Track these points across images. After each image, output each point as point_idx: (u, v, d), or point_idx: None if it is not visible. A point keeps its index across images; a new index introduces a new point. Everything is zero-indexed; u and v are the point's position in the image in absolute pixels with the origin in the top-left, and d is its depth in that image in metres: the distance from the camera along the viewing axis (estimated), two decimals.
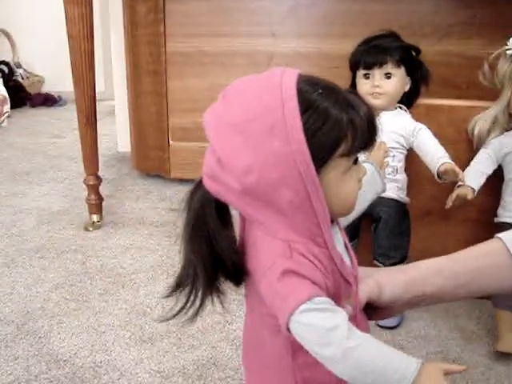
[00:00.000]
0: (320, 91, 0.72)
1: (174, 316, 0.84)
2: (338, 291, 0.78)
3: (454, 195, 1.56)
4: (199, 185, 0.78)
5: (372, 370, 0.70)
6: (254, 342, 0.89)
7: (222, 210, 0.78)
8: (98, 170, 2.24)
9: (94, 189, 2.24)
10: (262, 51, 2.43)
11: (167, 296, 0.83)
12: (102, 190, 2.34)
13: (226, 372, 1.47)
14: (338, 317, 0.72)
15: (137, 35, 2.53)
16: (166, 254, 2.08)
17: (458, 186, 1.57)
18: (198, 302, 0.83)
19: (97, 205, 2.26)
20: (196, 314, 0.84)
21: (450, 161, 1.50)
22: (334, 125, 0.71)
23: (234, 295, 1.78)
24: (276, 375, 0.84)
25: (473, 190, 1.56)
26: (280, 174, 0.71)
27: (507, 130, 1.59)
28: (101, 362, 1.50)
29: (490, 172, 1.59)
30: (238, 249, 0.80)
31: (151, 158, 2.71)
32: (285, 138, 0.70)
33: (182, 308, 0.83)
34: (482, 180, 1.58)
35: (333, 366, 0.71)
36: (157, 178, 2.76)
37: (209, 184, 0.76)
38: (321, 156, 0.72)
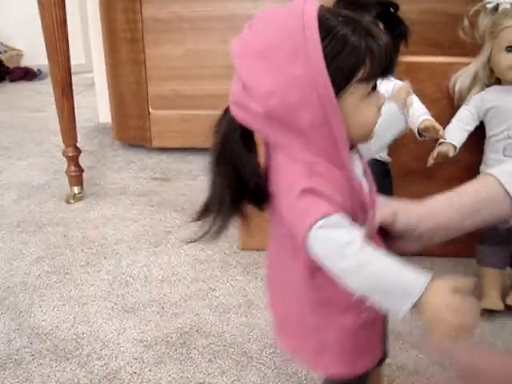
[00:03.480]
0: (340, 19, 0.75)
1: (200, 238, 0.90)
2: (355, 213, 0.81)
3: (435, 153, 1.54)
4: (226, 112, 0.81)
5: (383, 284, 0.74)
6: (276, 265, 0.94)
7: (246, 136, 0.81)
8: (76, 141, 2.20)
9: (74, 160, 2.20)
10: (241, 15, 2.38)
11: (195, 220, 0.89)
12: (84, 161, 2.31)
13: (209, 339, 1.46)
14: (354, 232, 0.76)
15: (112, 2, 2.47)
16: (148, 223, 2.06)
17: (439, 144, 1.54)
18: (222, 224, 0.87)
19: (77, 176, 2.23)
20: (219, 234, 0.88)
21: (430, 118, 1.47)
22: (352, 50, 0.74)
23: (216, 262, 1.78)
24: (295, 295, 0.89)
25: (454, 147, 1.53)
26: (300, 97, 0.74)
27: (488, 86, 1.56)
28: (83, 334, 1.48)
29: (471, 128, 1.57)
30: (261, 173, 0.83)
31: (132, 128, 2.67)
32: (305, 62, 0.73)
33: (207, 232, 0.88)
34: (464, 137, 1.55)
35: (347, 278, 0.75)
36: (138, 148, 2.72)
37: (235, 111, 0.79)
38: (339, 80, 0.75)
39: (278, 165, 0.81)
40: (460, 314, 0.71)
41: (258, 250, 1.84)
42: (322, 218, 0.74)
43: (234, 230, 1.94)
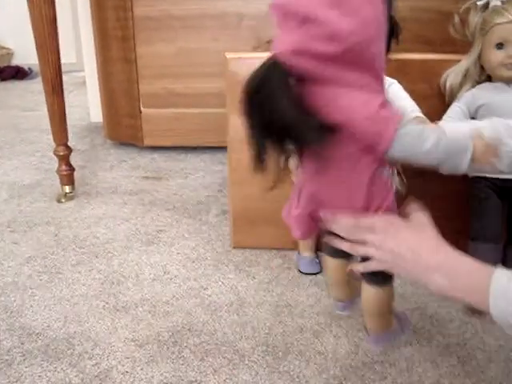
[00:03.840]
0: None
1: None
2: None
3: None
4: (271, 67, 0.89)
5: (453, 150, 0.97)
6: (334, 184, 1.04)
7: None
8: (67, 139, 2.19)
9: (65, 159, 2.20)
10: (232, 12, 2.38)
11: (256, 169, 0.96)
12: (75, 161, 2.30)
13: (201, 337, 1.45)
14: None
15: (103, 0, 2.46)
16: (139, 222, 2.05)
17: None
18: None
19: (68, 175, 2.22)
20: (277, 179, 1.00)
21: (421, 114, 1.47)
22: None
23: (208, 260, 1.77)
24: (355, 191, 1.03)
25: None
26: (372, 34, 0.91)
27: (479, 83, 1.56)
28: (74, 333, 1.47)
29: None
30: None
31: (123, 127, 2.66)
32: (373, 6, 0.90)
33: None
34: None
35: (428, 156, 0.96)
36: (130, 147, 2.72)
37: (296, 61, 0.88)
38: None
39: (335, 98, 0.92)
40: (491, 145, 1.04)
41: (249, 249, 1.83)
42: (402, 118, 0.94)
43: (225, 228, 1.95)
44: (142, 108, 2.57)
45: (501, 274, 0.83)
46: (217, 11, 2.40)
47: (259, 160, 0.95)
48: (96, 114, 2.97)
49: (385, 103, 0.93)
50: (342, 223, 1.02)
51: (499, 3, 1.48)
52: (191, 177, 2.43)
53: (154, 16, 2.43)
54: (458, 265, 0.87)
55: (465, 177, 1.59)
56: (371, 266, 1.02)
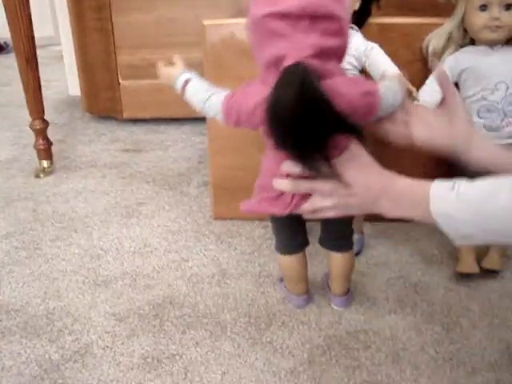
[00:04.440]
0: None
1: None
2: None
3: None
4: (305, 82, 0.87)
5: None
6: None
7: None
8: (43, 113, 2.14)
9: (42, 133, 2.15)
10: None
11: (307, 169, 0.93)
12: (53, 135, 2.26)
13: (182, 310, 1.43)
14: None
15: None
16: (119, 195, 2.01)
17: None
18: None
19: (46, 150, 2.17)
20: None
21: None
22: None
23: (189, 232, 1.74)
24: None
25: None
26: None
27: (462, 46, 1.53)
28: (54, 309, 1.45)
29: None
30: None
31: (102, 100, 2.60)
32: None
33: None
34: (438, 98, 1.52)
35: None
36: (109, 120, 2.66)
37: (317, 62, 0.92)
38: None
39: (335, 86, 0.93)
40: None
41: (231, 219, 1.81)
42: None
43: (206, 199, 1.92)
44: (120, 80, 2.51)
45: (438, 183, 0.86)
46: None
47: (315, 169, 0.92)
48: (74, 88, 2.89)
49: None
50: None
51: None
52: (171, 149, 2.39)
53: None
54: (399, 186, 0.91)
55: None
56: (330, 214, 0.99)
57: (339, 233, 1.36)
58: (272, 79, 0.91)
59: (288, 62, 0.91)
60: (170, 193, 2.02)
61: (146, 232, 1.78)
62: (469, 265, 1.53)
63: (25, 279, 1.57)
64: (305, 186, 0.98)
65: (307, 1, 0.92)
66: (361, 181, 0.93)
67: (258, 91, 0.97)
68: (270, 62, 0.98)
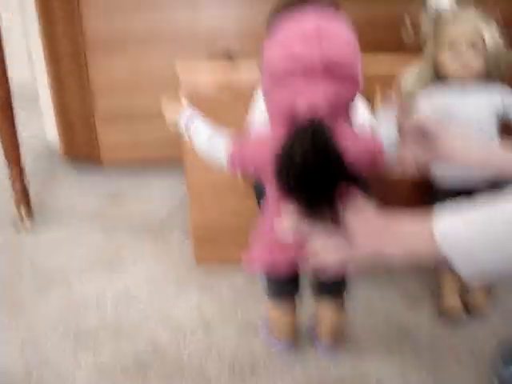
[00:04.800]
0: None
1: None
2: None
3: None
4: (318, 133, 0.83)
5: None
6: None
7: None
8: (20, 160, 2.11)
9: (18, 181, 2.12)
10: (185, 24, 2.34)
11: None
12: (31, 182, 2.22)
13: (165, 361, 1.41)
14: None
15: (51, 14, 2.38)
16: (100, 244, 1.99)
17: None
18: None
19: (23, 198, 2.14)
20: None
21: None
22: None
23: (171, 280, 1.70)
24: None
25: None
26: None
27: (433, 85, 1.54)
28: (33, 362, 1.42)
29: None
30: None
31: (79, 144, 2.59)
32: None
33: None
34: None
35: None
36: (88, 165, 2.64)
37: (329, 112, 0.93)
38: None
39: (348, 141, 0.92)
40: None
41: (213, 265, 1.79)
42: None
43: (188, 246, 1.90)
44: (97, 125, 2.50)
45: (439, 215, 0.80)
46: (169, 24, 2.35)
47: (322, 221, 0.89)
48: (51, 132, 2.87)
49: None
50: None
51: (450, 7, 1.47)
52: (152, 193, 2.37)
53: (106, 30, 2.37)
54: (401, 228, 0.85)
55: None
56: (332, 269, 0.97)
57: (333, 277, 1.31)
58: (283, 129, 0.92)
59: (300, 111, 0.91)
60: (151, 240, 2.00)
61: (127, 281, 1.76)
62: (454, 305, 1.54)
63: (4, 334, 1.54)
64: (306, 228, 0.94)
65: (322, 46, 0.92)
66: (363, 231, 0.88)
67: (270, 144, 0.95)
68: (281, 109, 0.97)
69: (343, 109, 1.00)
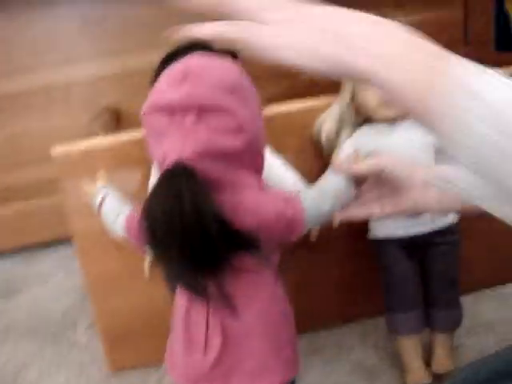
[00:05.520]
0: None
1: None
2: None
3: None
4: (181, 188, 0.74)
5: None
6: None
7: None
8: None
9: None
10: (60, 82, 2.04)
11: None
12: None
13: None
14: None
15: None
16: None
17: None
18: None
19: None
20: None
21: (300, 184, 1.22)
22: None
23: None
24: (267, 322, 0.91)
25: None
26: (260, 128, 0.89)
27: (357, 127, 1.33)
28: None
29: None
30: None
31: None
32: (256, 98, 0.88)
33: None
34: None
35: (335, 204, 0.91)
36: None
37: (202, 165, 0.77)
38: None
39: (248, 202, 0.82)
40: None
41: (130, 369, 1.50)
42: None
43: (99, 347, 1.59)
44: None
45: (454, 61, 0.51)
46: (42, 83, 2.05)
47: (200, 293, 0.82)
48: None
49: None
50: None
51: None
52: (50, 282, 2.02)
53: None
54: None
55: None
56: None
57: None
58: None
59: (167, 164, 0.77)
60: (55, 345, 1.66)
61: None
62: (419, 375, 1.31)
63: None
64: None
65: (190, 92, 0.78)
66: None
67: None
68: (158, 163, 0.84)
69: (240, 162, 0.82)
